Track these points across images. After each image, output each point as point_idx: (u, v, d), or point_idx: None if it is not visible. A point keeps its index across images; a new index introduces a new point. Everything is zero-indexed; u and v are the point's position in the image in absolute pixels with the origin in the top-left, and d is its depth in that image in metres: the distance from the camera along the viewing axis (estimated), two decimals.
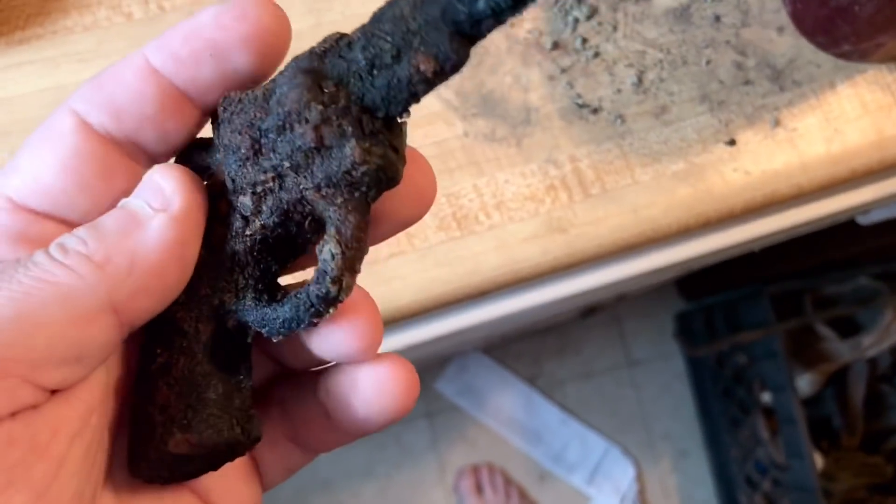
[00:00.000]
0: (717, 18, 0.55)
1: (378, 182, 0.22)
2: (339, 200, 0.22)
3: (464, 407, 1.47)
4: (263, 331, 0.23)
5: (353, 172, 0.21)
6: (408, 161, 0.23)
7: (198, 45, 0.23)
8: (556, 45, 0.54)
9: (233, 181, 0.23)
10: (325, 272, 0.22)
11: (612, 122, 0.53)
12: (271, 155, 0.22)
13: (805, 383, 1.31)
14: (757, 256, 0.99)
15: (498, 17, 0.20)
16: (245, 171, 0.22)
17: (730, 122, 0.54)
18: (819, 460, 1.29)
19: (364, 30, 0.22)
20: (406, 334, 0.54)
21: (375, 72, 0.21)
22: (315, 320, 0.22)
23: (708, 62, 0.54)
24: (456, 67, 0.21)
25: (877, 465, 1.33)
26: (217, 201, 0.23)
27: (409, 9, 0.21)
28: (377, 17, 0.21)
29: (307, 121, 0.21)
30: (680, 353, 1.53)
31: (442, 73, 0.21)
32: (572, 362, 1.52)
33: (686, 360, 1.53)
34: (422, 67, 0.21)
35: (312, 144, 0.21)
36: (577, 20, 0.54)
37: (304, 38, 0.52)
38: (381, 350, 0.25)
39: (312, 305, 0.22)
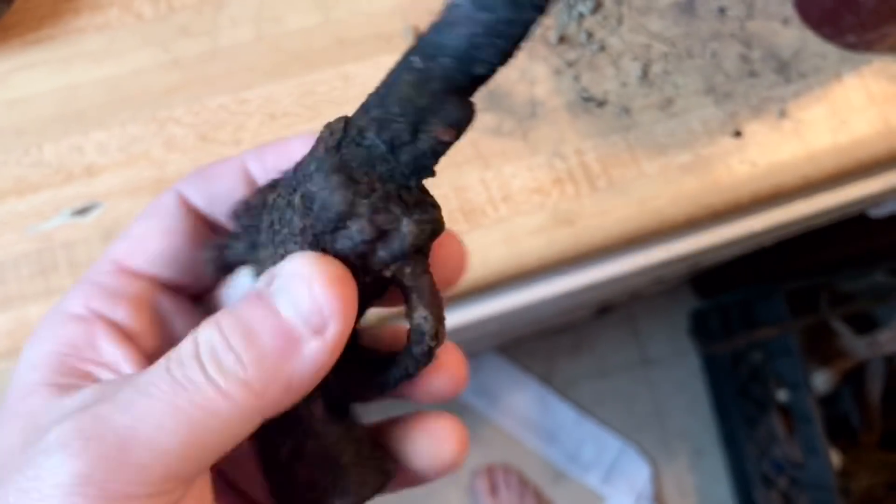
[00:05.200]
0: (722, 11, 0.55)
1: (431, 239, 0.24)
2: (408, 270, 0.24)
3: (478, 407, 1.47)
4: (368, 392, 0.26)
5: (413, 244, 0.23)
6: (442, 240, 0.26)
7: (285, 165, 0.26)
8: (561, 40, 0.54)
9: None
10: (423, 333, 0.24)
11: (618, 115, 0.54)
12: (334, 254, 0.23)
13: (821, 380, 1.31)
14: (771, 253, 0.99)
15: (494, 73, 0.22)
16: None
17: (736, 113, 0.54)
18: (836, 458, 1.28)
19: (369, 115, 0.23)
20: None
21: (397, 151, 0.23)
22: (423, 370, 0.25)
23: (713, 55, 0.55)
24: (469, 124, 0.23)
25: (895, 463, 1.33)
26: None
27: (412, 90, 0.22)
28: (379, 101, 0.23)
29: (360, 215, 0.23)
30: (695, 352, 1.53)
31: (460, 134, 0.23)
32: (587, 361, 1.51)
33: (701, 359, 1.52)
34: (443, 137, 0.23)
35: (373, 236, 0.23)
36: (582, 14, 0.54)
37: (313, 35, 0.53)
38: None
39: (419, 361, 0.25)
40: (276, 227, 0.24)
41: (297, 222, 0.23)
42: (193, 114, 0.52)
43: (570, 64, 0.54)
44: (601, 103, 0.54)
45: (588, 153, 0.53)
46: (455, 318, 0.56)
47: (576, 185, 0.52)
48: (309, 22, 0.53)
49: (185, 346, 0.22)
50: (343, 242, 0.23)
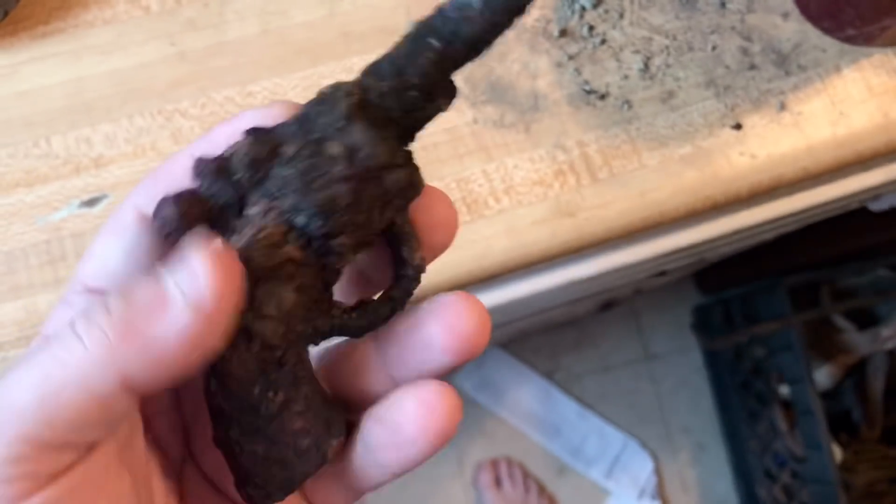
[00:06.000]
0: (723, 4, 0.56)
1: None
2: (408, 217, 0.27)
3: (482, 401, 1.48)
4: (354, 335, 0.28)
5: (418, 194, 0.27)
6: (435, 198, 0.29)
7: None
8: (563, 33, 0.55)
9: (321, 230, 0.26)
10: (421, 266, 0.27)
11: (620, 107, 0.54)
12: (366, 198, 0.26)
13: (823, 375, 1.31)
14: (773, 248, 0.99)
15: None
16: (337, 218, 0.25)
17: (736, 106, 0.55)
18: (838, 453, 1.29)
19: (386, 82, 0.26)
20: None
21: (407, 115, 0.27)
22: (406, 303, 0.28)
23: (714, 48, 0.55)
24: (455, 99, 0.28)
25: None
26: (280, 248, 0.25)
27: (433, 67, 0.26)
28: (397, 71, 0.26)
29: (400, 166, 0.26)
30: (698, 347, 1.53)
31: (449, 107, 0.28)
32: (590, 356, 1.52)
33: (704, 354, 1.53)
34: (443, 107, 0.27)
35: (406, 184, 0.26)
36: (583, 8, 0.55)
37: (318, 28, 0.54)
38: None
39: (409, 296, 0.28)
40: (311, 175, 0.25)
41: (340, 170, 0.25)
42: (200, 106, 0.52)
43: (572, 57, 0.55)
44: (603, 96, 0.54)
45: (590, 145, 0.54)
46: None
47: (577, 176, 0.53)
48: (314, 15, 0.54)
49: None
50: (376, 189, 0.26)
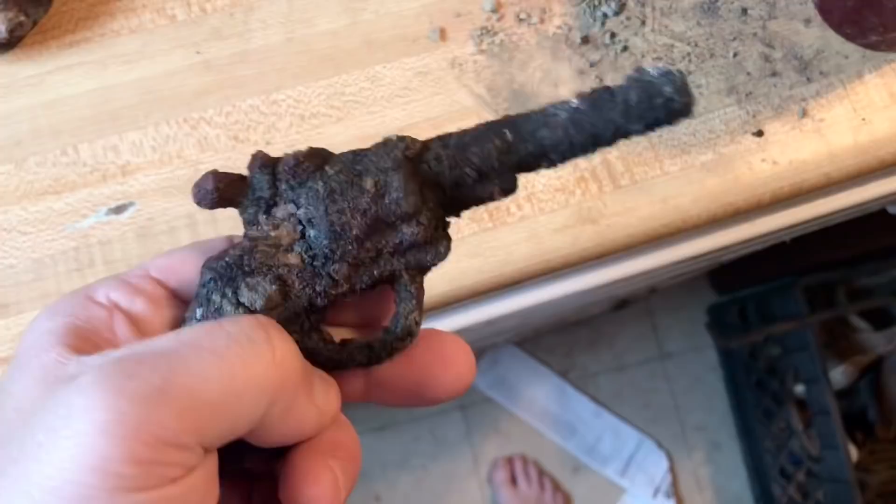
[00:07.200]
0: (744, 11, 0.56)
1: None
2: (419, 279, 0.28)
3: (497, 399, 1.48)
4: (324, 367, 0.28)
5: (438, 263, 0.28)
6: (453, 346, 0.30)
7: None
8: (585, 40, 0.55)
9: (325, 249, 0.27)
10: (412, 333, 0.28)
11: None
12: (375, 239, 0.27)
13: (839, 375, 1.31)
14: (789, 248, 0.99)
15: (548, 168, 0.28)
16: (342, 244, 0.27)
17: (757, 113, 0.55)
18: (854, 452, 1.29)
19: (448, 150, 0.28)
20: (439, 323, 0.56)
21: (455, 188, 0.28)
22: (388, 359, 0.29)
23: (735, 54, 0.55)
24: (512, 195, 0.29)
25: None
26: (283, 252, 0.27)
27: (495, 152, 0.28)
28: (462, 144, 0.28)
29: (421, 224, 0.27)
30: (713, 346, 1.53)
31: (503, 198, 0.29)
32: (605, 355, 1.52)
33: (719, 353, 1.53)
34: (496, 196, 0.28)
35: (420, 242, 0.28)
36: (605, 15, 0.55)
37: (342, 36, 0.54)
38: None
39: (393, 352, 0.28)
40: (336, 196, 0.27)
41: (364, 202, 0.27)
42: (225, 114, 0.53)
43: (594, 64, 0.55)
44: None
45: (611, 152, 0.54)
46: (479, 314, 0.57)
47: (599, 183, 0.53)
48: (337, 24, 0.54)
49: (241, 316, 0.25)
50: (390, 235, 0.27)
